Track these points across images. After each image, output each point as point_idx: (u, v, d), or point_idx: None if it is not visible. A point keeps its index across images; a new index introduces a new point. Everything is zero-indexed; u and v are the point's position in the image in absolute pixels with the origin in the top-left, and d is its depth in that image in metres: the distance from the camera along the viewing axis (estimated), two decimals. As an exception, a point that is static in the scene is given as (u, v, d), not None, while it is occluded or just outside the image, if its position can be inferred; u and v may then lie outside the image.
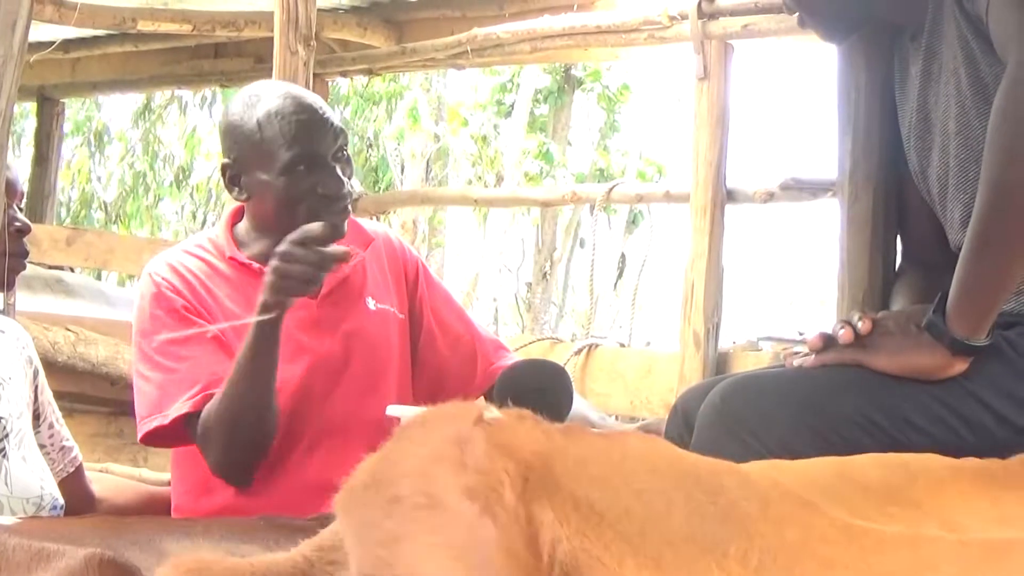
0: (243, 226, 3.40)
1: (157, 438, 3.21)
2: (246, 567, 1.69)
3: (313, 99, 3.34)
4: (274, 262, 3.01)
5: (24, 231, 3.16)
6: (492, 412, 1.59)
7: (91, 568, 2.30)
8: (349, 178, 3.28)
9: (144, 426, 3.19)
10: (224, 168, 3.33)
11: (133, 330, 3.31)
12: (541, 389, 3.04)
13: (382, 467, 1.58)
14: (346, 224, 3.29)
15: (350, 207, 3.30)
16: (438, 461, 1.50)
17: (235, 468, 3.19)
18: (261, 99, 3.29)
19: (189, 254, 3.35)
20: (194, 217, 17.92)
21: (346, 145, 3.31)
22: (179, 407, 3.14)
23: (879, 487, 1.73)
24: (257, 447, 3.17)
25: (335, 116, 3.34)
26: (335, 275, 3.32)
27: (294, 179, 3.22)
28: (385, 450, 1.61)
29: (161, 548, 2.59)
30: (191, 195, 17.82)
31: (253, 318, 3.02)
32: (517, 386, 3.06)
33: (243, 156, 3.28)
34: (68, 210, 17.28)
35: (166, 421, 3.15)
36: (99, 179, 18.09)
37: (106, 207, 18.00)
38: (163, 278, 3.26)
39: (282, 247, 3.01)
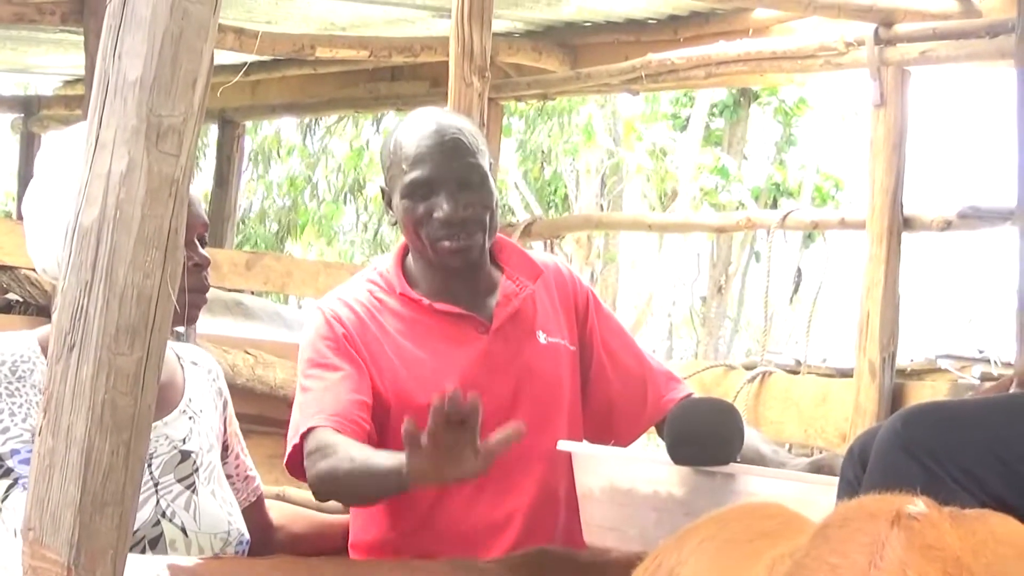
0: (411, 259, 3.41)
1: (294, 465, 3.19)
2: None
3: (450, 123, 3.30)
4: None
5: (202, 265, 3.01)
6: (917, 507, 1.68)
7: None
8: (485, 206, 3.24)
9: (288, 447, 3.19)
10: (381, 191, 3.41)
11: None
12: (712, 431, 3.04)
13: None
14: (475, 251, 3.26)
15: (481, 235, 3.24)
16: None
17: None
18: (404, 123, 3.34)
19: (361, 289, 3.36)
20: (366, 228, 18.13)
21: (481, 170, 3.25)
22: (306, 423, 3.13)
23: None
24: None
25: (473, 141, 3.28)
26: (506, 309, 3.33)
27: (414, 202, 3.23)
28: (805, 556, 1.70)
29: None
30: (364, 207, 18.02)
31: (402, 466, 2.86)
32: (688, 426, 3.07)
33: (387, 178, 3.34)
34: (244, 223, 17.54)
35: (296, 440, 3.15)
36: (276, 190, 18.39)
37: (280, 219, 18.27)
38: (332, 311, 3.29)
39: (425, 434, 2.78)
